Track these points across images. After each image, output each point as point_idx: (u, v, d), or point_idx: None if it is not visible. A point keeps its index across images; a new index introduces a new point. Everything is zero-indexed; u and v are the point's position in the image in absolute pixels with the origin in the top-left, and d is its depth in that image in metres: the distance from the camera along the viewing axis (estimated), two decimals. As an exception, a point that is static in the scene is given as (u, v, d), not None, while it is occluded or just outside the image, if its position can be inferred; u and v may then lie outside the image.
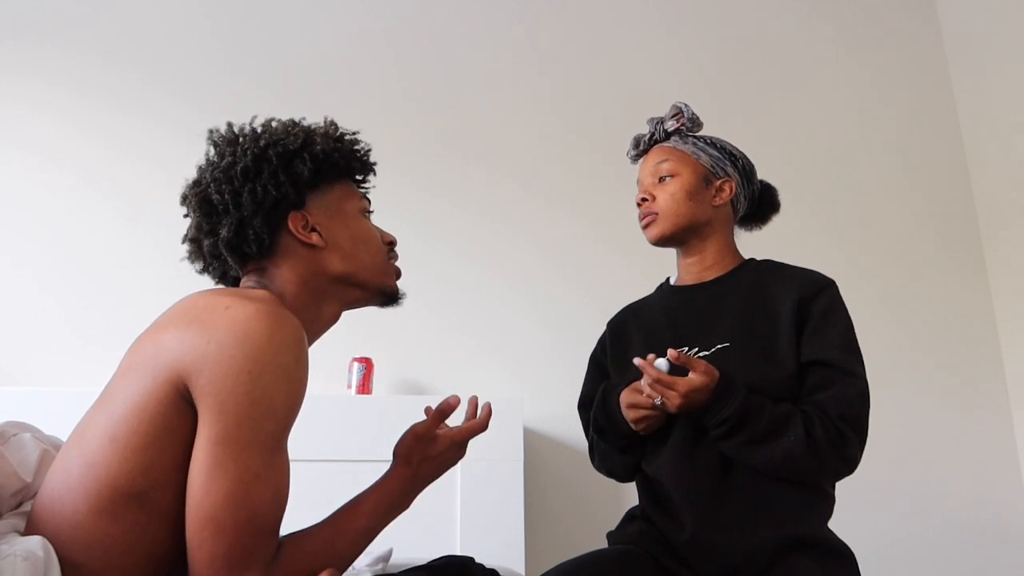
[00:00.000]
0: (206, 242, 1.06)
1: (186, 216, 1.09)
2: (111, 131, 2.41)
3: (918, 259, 2.53)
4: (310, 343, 1.06)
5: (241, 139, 1.07)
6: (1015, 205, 2.45)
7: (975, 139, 2.63)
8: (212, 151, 1.09)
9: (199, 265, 1.10)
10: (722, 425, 1.18)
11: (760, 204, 1.46)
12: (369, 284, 1.12)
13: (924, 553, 2.26)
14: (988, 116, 2.58)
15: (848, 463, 1.19)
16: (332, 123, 1.13)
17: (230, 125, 1.10)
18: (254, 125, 1.10)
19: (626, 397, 1.27)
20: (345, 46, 2.56)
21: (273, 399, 0.88)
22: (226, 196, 1.03)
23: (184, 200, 1.09)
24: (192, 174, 1.09)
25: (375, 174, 1.19)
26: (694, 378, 1.16)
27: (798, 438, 1.16)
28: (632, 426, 1.26)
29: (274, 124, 1.10)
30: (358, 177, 1.17)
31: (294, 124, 1.10)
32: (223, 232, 1.03)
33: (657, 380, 1.17)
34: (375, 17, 2.60)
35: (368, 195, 1.19)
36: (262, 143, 1.06)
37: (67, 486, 0.89)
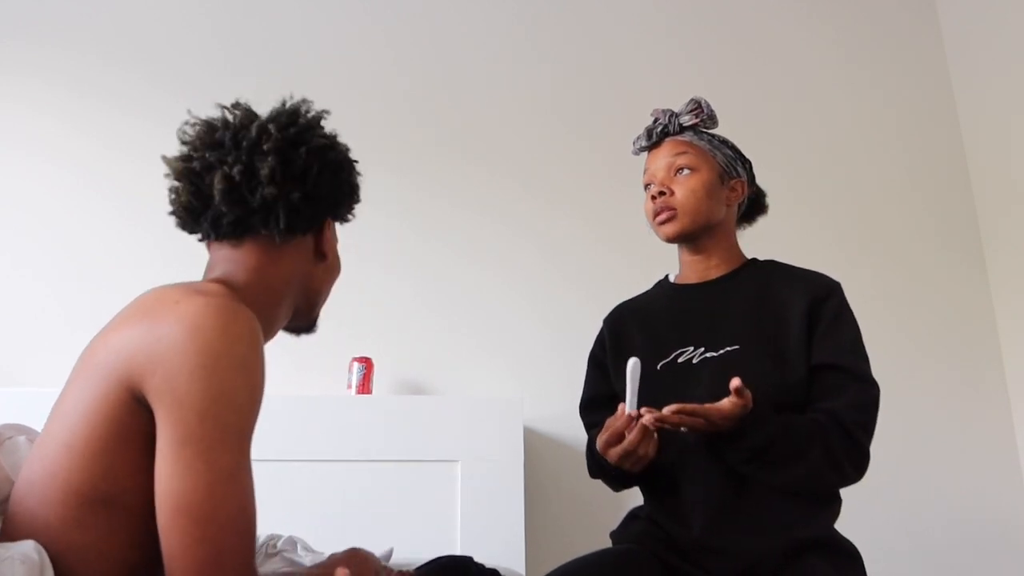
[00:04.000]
0: (269, 190, 0.98)
1: (239, 139, 1.00)
2: (111, 131, 2.41)
3: (918, 259, 2.53)
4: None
5: (332, 132, 1.08)
6: (1015, 205, 2.45)
7: (975, 139, 2.63)
8: (300, 118, 1.05)
9: (223, 187, 0.98)
10: (742, 452, 1.16)
11: (752, 206, 1.46)
12: (315, 308, 1.13)
13: (924, 552, 2.26)
14: (988, 116, 2.58)
15: (861, 470, 1.20)
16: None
17: (327, 114, 1.09)
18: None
19: (600, 440, 1.19)
20: (345, 46, 2.56)
21: (234, 393, 0.84)
22: (315, 169, 1.01)
23: (252, 127, 1.00)
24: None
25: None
26: (724, 406, 1.11)
27: (817, 459, 1.15)
28: (618, 467, 1.19)
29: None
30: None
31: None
32: (295, 195, 0.99)
33: (692, 412, 1.11)
34: (375, 17, 2.60)
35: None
36: (347, 150, 1.09)
37: (34, 498, 0.87)
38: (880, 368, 1.27)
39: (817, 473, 1.16)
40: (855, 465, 1.18)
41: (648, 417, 1.13)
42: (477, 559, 1.19)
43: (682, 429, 1.15)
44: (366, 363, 2.11)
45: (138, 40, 2.50)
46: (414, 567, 1.16)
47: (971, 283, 2.53)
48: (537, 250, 2.42)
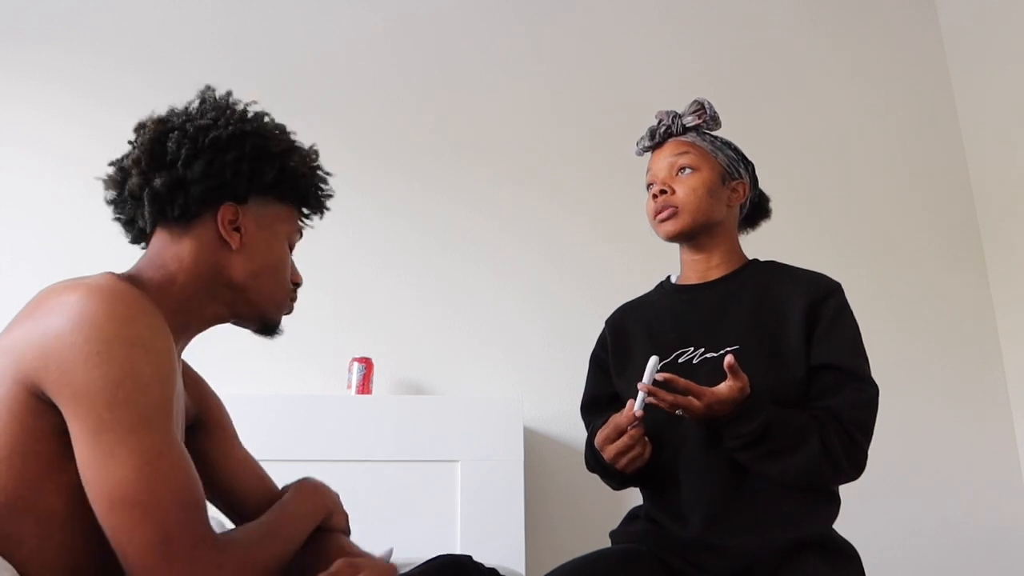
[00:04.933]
0: (134, 180, 1.00)
1: (131, 143, 1.06)
2: (111, 131, 2.40)
3: (918, 259, 2.54)
4: (187, 338, 1.03)
5: (229, 111, 1.05)
6: (1015, 205, 2.45)
7: (975, 139, 2.63)
8: (196, 105, 1.06)
9: (112, 194, 1.04)
10: (740, 438, 1.16)
11: (755, 210, 1.47)
12: (257, 306, 1.06)
13: (923, 552, 2.26)
14: (988, 116, 2.58)
15: (859, 468, 1.20)
16: (316, 152, 1.11)
17: (229, 94, 1.08)
18: (253, 109, 1.07)
19: (600, 435, 1.22)
20: (345, 46, 2.56)
21: (137, 373, 0.81)
22: (183, 151, 0.99)
23: (140, 128, 1.05)
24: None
25: (322, 217, 1.14)
26: (721, 389, 1.13)
27: (814, 450, 1.15)
28: (613, 465, 1.22)
29: (267, 120, 1.08)
30: (305, 211, 1.13)
31: (284, 131, 1.08)
32: (157, 181, 0.98)
33: (685, 388, 1.13)
34: (375, 17, 2.60)
35: (304, 231, 1.14)
36: (247, 128, 1.03)
37: None
38: (880, 368, 1.27)
39: (814, 466, 1.16)
40: (852, 462, 1.18)
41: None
42: (477, 559, 1.19)
43: (677, 412, 1.16)
44: (366, 363, 2.11)
45: (138, 40, 2.50)
46: (414, 567, 1.16)
47: (971, 283, 2.53)
48: (537, 250, 2.43)
